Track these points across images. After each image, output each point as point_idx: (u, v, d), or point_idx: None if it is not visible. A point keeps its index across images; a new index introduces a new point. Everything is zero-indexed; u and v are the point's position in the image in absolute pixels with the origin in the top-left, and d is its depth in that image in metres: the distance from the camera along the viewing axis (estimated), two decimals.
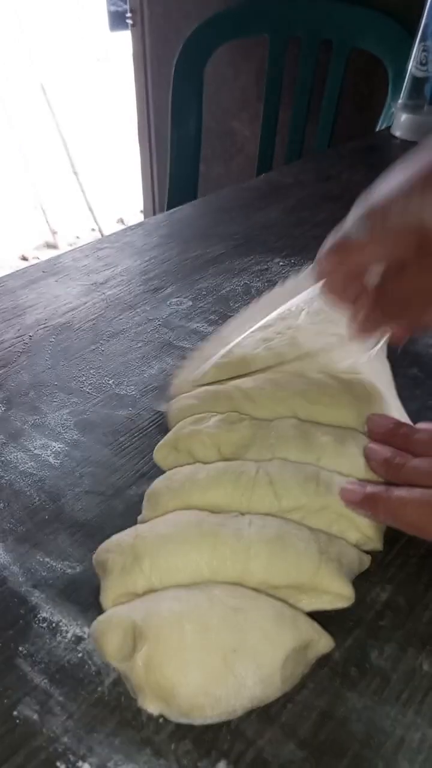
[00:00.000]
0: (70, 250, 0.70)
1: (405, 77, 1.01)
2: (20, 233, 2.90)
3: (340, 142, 1.11)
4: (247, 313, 0.52)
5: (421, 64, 0.98)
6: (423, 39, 0.96)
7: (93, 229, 3.00)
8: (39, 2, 3.62)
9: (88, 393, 0.47)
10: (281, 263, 0.65)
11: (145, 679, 0.26)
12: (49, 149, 3.12)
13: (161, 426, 0.43)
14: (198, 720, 0.26)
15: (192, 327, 0.55)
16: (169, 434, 0.39)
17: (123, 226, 0.96)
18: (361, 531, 0.33)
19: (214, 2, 1.42)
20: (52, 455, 0.41)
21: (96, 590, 0.31)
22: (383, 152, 1.00)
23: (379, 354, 0.43)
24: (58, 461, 0.41)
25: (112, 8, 3.42)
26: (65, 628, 0.30)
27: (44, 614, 0.31)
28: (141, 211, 2.27)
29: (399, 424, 0.38)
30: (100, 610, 0.29)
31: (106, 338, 0.54)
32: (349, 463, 0.35)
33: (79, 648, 0.30)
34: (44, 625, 0.31)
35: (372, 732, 0.27)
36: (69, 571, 0.33)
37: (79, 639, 0.30)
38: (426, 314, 0.35)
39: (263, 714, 0.27)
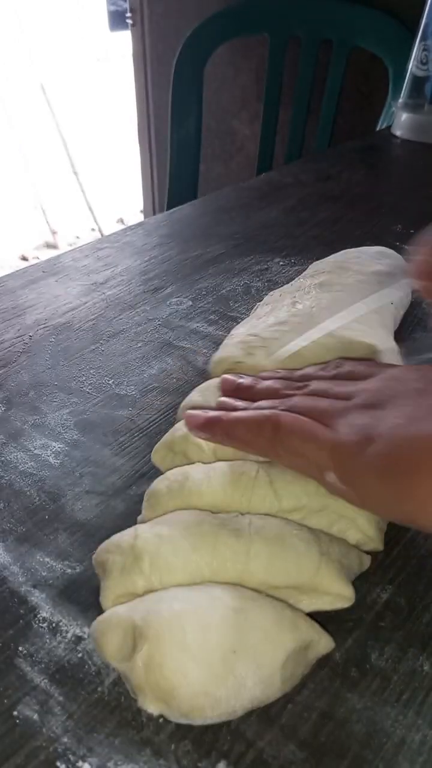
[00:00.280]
0: (70, 250, 0.70)
1: (405, 76, 1.01)
2: (20, 233, 2.90)
3: (340, 141, 1.11)
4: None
5: (422, 63, 0.98)
6: (423, 38, 0.96)
7: (93, 229, 3.00)
8: (39, 2, 3.62)
9: (88, 393, 0.47)
10: (281, 263, 0.65)
11: (145, 680, 0.26)
12: (49, 149, 3.12)
13: (161, 426, 0.43)
14: (198, 720, 0.26)
15: (192, 327, 0.55)
16: (166, 435, 0.39)
17: (123, 226, 0.96)
18: (362, 531, 0.33)
19: (214, 2, 1.42)
20: (52, 455, 0.41)
21: (96, 590, 0.31)
22: (383, 152, 1.00)
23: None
24: (58, 461, 0.41)
25: (112, 8, 3.42)
26: (65, 628, 0.30)
27: (44, 614, 0.31)
28: (141, 211, 2.27)
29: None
30: (100, 610, 0.29)
31: (106, 338, 0.54)
32: None
33: (79, 648, 0.30)
34: (44, 625, 0.31)
35: (372, 733, 0.26)
36: (69, 571, 0.33)
37: (79, 639, 0.30)
38: None
39: (263, 715, 0.27)
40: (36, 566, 0.34)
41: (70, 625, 0.30)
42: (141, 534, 0.31)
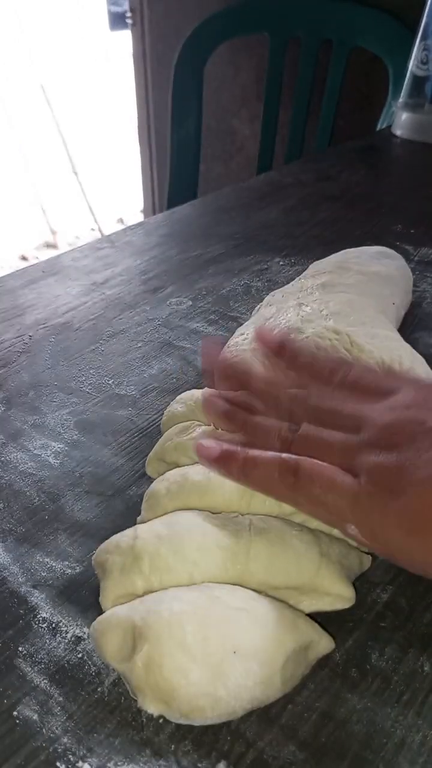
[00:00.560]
0: (70, 250, 0.70)
1: (405, 76, 1.01)
2: (20, 233, 2.90)
3: (340, 141, 1.11)
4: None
5: (422, 62, 0.98)
6: (423, 38, 0.97)
7: (93, 229, 3.00)
8: (39, 2, 3.62)
9: (88, 393, 0.47)
10: (281, 263, 0.65)
11: (145, 680, 0.26)
12: (49, 149, 3.12)
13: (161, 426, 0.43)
14: (198, 721, 0.26)
15: (192, 327, 0.55)
16: (156, 446, 0.38)
17: (123, 226, 0.96)
18: None
19: (214, 2, 1.42)
20: (52, 455, 0.41)
21: (96, 590, 0.31)
22: (383, 152, 1.00)
23: None
24: (58, 461, 0.41)
25: (112, 8, 3.41)
26: (65, 629, 0.30)
27: (44, 614, 0.31)
28: (141, 211, 2.27)
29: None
30: (99, 611, 0.29)
31: (106, 338, 0.54)
32: None
33: (78, 648, 0.30)
34: (44, 625, 0.31)
35: (372, 733, 0.26)
36: (69, 571, 0.33)
37: (78, 639, 0.30)
38: None
39: (263, 715, 0.27)
40: (36, 566, 0.34)
41: (70, 626, 0.30)
42: (140, 534, 0.31)
